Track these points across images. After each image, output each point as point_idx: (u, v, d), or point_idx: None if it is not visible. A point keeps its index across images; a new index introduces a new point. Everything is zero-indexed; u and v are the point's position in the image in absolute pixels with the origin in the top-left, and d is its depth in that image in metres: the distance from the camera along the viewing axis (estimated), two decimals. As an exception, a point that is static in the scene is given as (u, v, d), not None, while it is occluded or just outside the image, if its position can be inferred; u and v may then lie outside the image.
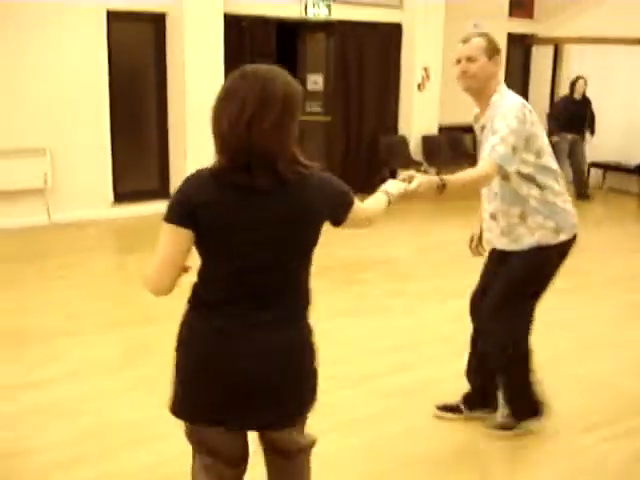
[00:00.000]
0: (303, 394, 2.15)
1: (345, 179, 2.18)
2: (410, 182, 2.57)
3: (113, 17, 7.73)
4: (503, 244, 3.30)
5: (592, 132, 9.79)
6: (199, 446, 2.20)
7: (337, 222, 2.17)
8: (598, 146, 10.03)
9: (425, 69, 9.56)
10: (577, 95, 9.58)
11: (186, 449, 2.23)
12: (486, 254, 3.50)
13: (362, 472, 3.18)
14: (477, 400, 3.59)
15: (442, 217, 8.21)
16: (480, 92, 3.14)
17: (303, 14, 8.86)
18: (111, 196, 8.08)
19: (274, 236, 1.98)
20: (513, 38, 10.76)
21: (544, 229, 3.18)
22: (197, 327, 2.06)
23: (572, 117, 9.54)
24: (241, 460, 2.26)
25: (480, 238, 3.54)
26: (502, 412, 3.51)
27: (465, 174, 2.94)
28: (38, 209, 7.61)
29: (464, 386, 3.61)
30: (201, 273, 2.05)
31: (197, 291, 2.06)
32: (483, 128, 3.16)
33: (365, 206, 2.31)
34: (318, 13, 8.95)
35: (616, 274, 6.46)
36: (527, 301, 3.31)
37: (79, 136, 7.72)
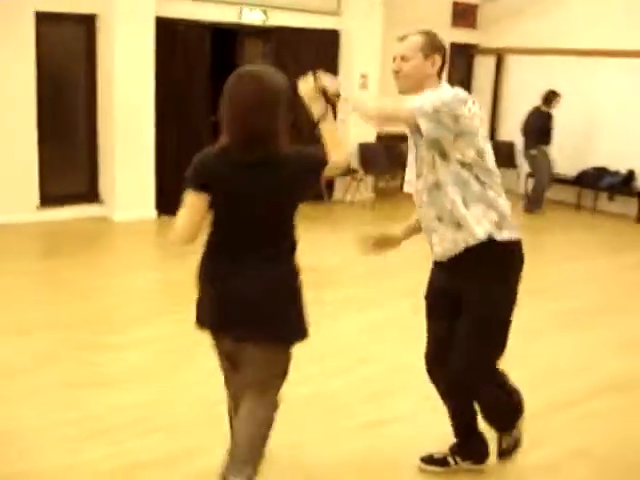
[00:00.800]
0: (290, 318, 2.72)
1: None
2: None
3: (41, 18, 7.60)
4: (457, 244, 2.95)
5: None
6: (219, 355, 2.92)
7: (317, 179, 2.79)
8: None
9: (363, 76, 9.52)
10: (553, 109, 9.59)
11: None
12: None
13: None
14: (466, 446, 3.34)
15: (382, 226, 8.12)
16: (416, 93, 2.87)
17: (239, 19, 8.80)
18: (37, 200, 7.93)
19: (267, 198, 2.63)
20: (456, 48, 10.75)
21: (487, 219, 2.89)
22: (207, 262, 2.74)
23: (548, 130, 9.61)
24: None
25: (387, 239, 3.32)
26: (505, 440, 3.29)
27: (376, 99, 2.75)
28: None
29: (362, 395, 3.53)
30: (212, 225, 2.72)
31: (209, 237, 2.74)
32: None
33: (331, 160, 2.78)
34: (254, 18, 8.89)
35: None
36: (503, 331, 3.04)
37: (4, 138, 7.58)
